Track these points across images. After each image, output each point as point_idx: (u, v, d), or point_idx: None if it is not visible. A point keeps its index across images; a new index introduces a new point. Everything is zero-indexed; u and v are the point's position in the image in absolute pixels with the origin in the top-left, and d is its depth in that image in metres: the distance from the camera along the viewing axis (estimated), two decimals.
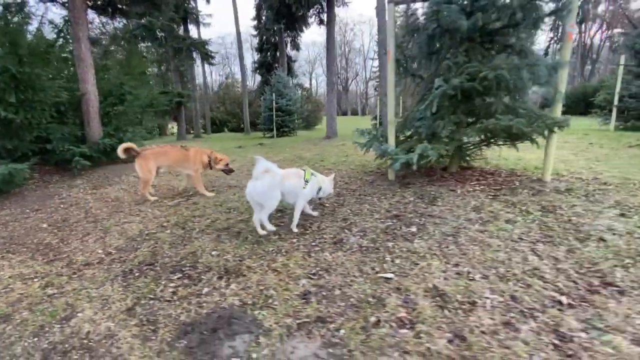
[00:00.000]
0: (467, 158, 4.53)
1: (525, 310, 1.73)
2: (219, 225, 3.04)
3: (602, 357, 1.42)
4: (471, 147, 4.30)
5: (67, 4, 5.15)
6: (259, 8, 21.74)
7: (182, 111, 15.83)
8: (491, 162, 4.87)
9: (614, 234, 2.41)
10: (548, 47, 39.92)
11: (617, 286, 1.86)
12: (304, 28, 23.21)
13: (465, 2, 3.51)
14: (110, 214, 3.55)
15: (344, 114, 56.13)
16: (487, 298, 1.84)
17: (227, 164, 4.31)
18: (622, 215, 2.72)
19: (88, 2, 5.64)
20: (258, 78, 32.78)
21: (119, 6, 6.52)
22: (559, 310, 1.71)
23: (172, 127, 26.76)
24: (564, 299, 1.79)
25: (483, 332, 1.60)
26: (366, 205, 3.34)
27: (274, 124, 16.37)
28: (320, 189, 2.98)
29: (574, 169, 4.39)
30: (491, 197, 3.32)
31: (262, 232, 2.79)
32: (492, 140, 4.03)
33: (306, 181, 2.85)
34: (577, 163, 4.83)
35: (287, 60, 23.15)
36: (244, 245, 2.62)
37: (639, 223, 2.54)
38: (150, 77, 18.29)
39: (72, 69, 5.59)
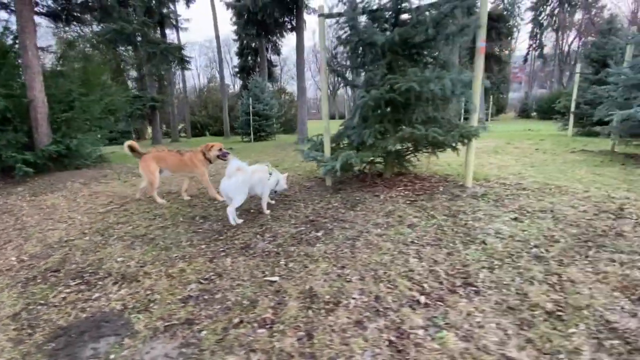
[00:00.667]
0: (406, 164, 4.71)
1: (381, 309, 1.85)
2: (137, 232, 3.10)
3: (427, 352, 1.56)
4: (406, 154, 4.47)
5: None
6: (238, 13, 21.82)
7: (157, 115, 15.76)
8: (432, 168, 5.08)
9: (498, 237, 2.58)
10: (527, 54, 41.39)
11: (475, 286, 2.01)
12: (283, 33, 23.46)
13: (387, 17, 3.70)
14: (39, 222, 3.58)
15: (332, 117, 56.56)
16: (354, 298, 1.96)
17: (220, 149, 4.16)
18: (515, 219, 2.91)
19: (35, 11, 5.70)
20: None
21: (73, 14, 6.55)
22: (412, 309, 1.84)
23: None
24: (422, 299, 1.93)
25: (333, 330, 1.72)
26: (289, 211, 3.45)
27: (251, 128, 16.45)
28: (277, 182, 3.50)
29: (505, 175, 4.62)
30: (409, 202, 3.49)
31: (236, 222, 3.22)
32: (418, 148, 4.22)
33: (270, 174, 3.39)
34: (512, 169, 5.07)
35: (267, 64, 23.27)
36: (152, 252, 2.69)
37: (525, 227, 2.74)
38: (119, 82, 18.25)
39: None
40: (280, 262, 2.42)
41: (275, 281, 2.18)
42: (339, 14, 3.77)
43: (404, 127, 3.64)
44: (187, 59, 14.88)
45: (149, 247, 2.77)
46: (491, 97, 40.22)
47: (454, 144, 3.73)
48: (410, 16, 3.64)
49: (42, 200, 4.27)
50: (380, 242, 2.62)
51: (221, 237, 2.93)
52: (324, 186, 4.34)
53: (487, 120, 21.34)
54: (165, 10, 15.75)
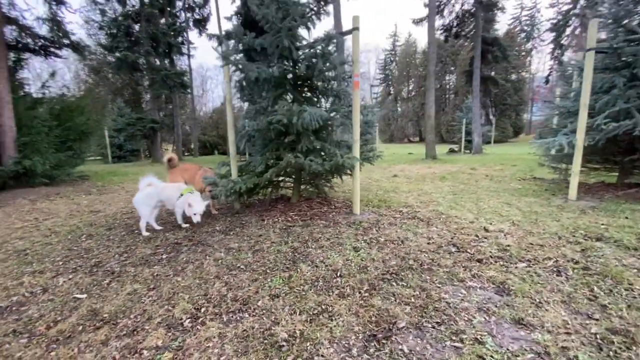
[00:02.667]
0: (323, 188, 4.85)
1: (141, 329, 2.01)
2: (16, 246, 3.44)
3: None
4: (310, 181, 4.63)
5: None
6: None
7: (158, 136, 16.77)
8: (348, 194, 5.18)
9: (316, 265, 2.67)
10: (549, 75, 40.43)
11: (244, 313, 2.13)
12: None
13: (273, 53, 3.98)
14: None
15: None
16: (129, 318, 2.13)
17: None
18: (355, 248, 2.98)
19: (12, 46, 6.54)
20: None
21: (49, 50, 7.42)
22: (168, 329, 1.99)
23: (166, 149, 27.97)
24: (187, 322, 2.07)
25: (85, 344, 1.90)
26: (168, 233, 3.68)
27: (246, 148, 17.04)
28: (189, 205, 3.62)
29: (412, 202, 4.64)
30: (284, 228, 3.62)
31: (145, 233, 3.66)
32: (302, 177, 4.36)
33: (181, 194, 3.72)
34: (428, 196, 5.07)
35: None
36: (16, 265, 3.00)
37: (353, 257, 2.80)
38: (132, 104, 19.60)
39: None
40: (105, 282, 2.63)
41: (80, 298, 2.39)
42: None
43: (287, 155, 3.81)
44: (187, 84, 15.87)
45: (15, 262, 3.07)
46: (508, 118, 39.58)
47: (329, 175, 3.86)
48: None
49: None
50: (210, 266, 2.77)
51: (85, 256, 3.19)
52: (232, 209, 4.56)
53: (486, 143, 20.81)
54: (172, 40, 17.06)
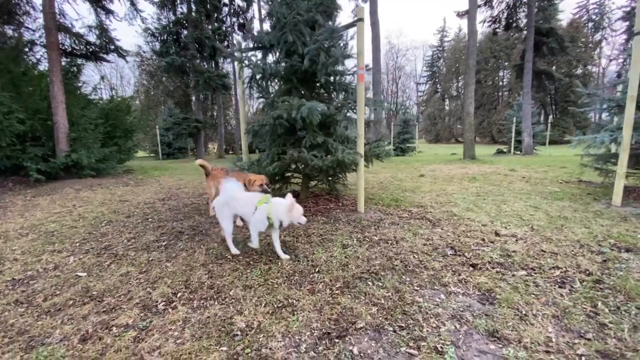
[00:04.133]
0: (337, 185, 4.78)
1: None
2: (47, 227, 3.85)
3: None
4: (319, 177, 4.57)
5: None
6: None
7: (202, 135, 17.82)
8: (371, 191, 5.03)
9: (297, 260, 2.63)
10: (621, 68, 35.83)
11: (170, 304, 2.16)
12: None
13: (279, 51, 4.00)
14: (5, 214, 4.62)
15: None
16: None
17: (261, 184, 3.53)
18: (343, 246, 2.88)
19: (66, 52, 7.38)
20: None
21: (98, 55, 8.25)
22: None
23: (214, 148, 29.58)
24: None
25: None
26: (179, 223, 3.88)
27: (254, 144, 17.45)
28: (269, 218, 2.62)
29: (426, 202, 4.39)
30: None
31: (235, 251, 2.86)
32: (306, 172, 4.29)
33: (256, 207, 2.66)
34: (447, 197, 4.73)
35: None
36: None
37: (339, 254, 2.71)
38: (182, 105, 20.99)
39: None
40: (106, 263, 2.84)
41: (81, 276, 2.61)
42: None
43: (290, 150, 3.81)
44: (228, 85, 16.66)
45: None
46: (572, 117, 35.65)
47: (331, 171, 3.77)
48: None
49: (32, 200, 5.44)
50: (200, 255, 2.86)
51: (100, 239, 3.47)
52: None
53: (541, 144, 18.93)
54: (216, 44, 18.02)
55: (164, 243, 3.23)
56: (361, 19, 3.47)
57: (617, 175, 4.01)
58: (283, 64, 3.93)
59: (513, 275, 2.23)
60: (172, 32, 15.34)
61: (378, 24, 13.57)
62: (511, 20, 16.44)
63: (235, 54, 4.48)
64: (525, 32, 15.31)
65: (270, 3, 3.90)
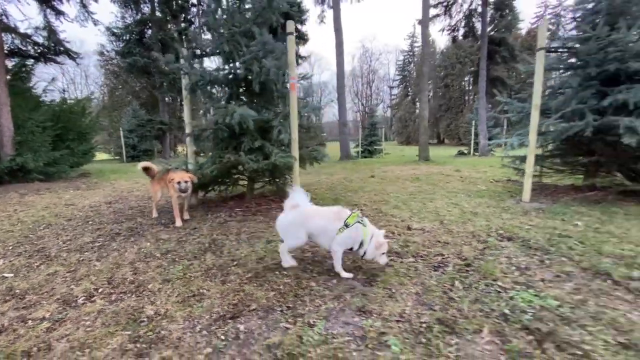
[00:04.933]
0: (278, 187, 5.03)
1: None
2: None
3: None
4: (260, 178, 4.82)
5: None
6: None
7: (167, 137, 17.57)
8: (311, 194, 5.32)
9: (171, 255, 2.86)
10: None
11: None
12: (299, 61, 24.85)
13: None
14: None
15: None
16: None
17: (178, 182, 3.68)
18: (268, 242, 3.14)
19: (10, 53, 7.24)
20: None
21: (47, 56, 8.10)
22: None
23: (184, 149, 29.04)
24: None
25: None
26: (117, 225, 4.00)
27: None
28: (362, 243, 2.30)
29: (366, 202, 4.74)
30: (222, 222, 3.84)
31: (288, 263, 2.54)
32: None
33: (346, 225, 2.28)
34: (388, 197, 5.12)
35: None
36: None
37: (258, 248, 2.97)
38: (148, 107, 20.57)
39: None
40: (36, 264, 2.94)
41: (7, 277, 2.70)
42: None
43: (228, 154, 4.02)
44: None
45: None
46: None
47: (267, 173, 4.03)
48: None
49: None
50: (131, 254, 3.03)
51: (35, 242, 3.54)
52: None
53: (499, 146, 20.12)
54: (182, 45, 17.81)
55: (98, 244, 3.35)
56: (291, 33, 3.76)
57: (526, 174, 4.54)
58: (223, 72, 4.14)
59: (402, 262, 2.58)
60: (134, 32, 15.05)
61: (341, 31, 14.01)
62: (467, 30, 17.44)
63: (182, 61, 4.65)
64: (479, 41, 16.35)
65: (207, 16, 4.10)
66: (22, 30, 7.47)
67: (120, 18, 17.45)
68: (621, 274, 2.24)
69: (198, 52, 4.48)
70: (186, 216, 4.04)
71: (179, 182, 3.69)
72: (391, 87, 62.84)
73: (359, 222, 2.32)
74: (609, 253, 2.60)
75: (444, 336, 1.69)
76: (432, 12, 17.54)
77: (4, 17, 7.24)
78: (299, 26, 22.68)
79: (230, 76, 4.08)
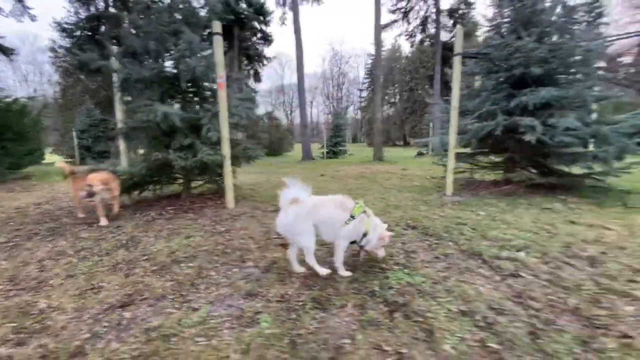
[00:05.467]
0: (218, 185, 5.07)
1: None
2: None
3: None
4: (198, 179, 4.86)
5: None
6: None
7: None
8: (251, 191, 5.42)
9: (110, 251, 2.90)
10: None
11: None
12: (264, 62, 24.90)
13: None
14: None
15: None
16: None
17: (90, 185, 3.54)
18: (186, 237, 3.21)
19: None
20: None
21: None
22: None
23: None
24: None
25: None
26: (39, 225, 3.89)
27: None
28: (365, 234, 2.25)
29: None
30: (150, 220, 3.85)
31: (300, 269, 2.31)
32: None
33: (352, 216, 2.23)
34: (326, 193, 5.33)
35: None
36: None
37: (173, 243, 3.04)
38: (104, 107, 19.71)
39: None
40: None
41: None
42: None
43: (155, 152, 4.03)
44: None
45: None
46: None
47: (197, 170, 4.10)
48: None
49: None
50: (42, 252, 2.99)
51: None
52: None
53: None
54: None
55: (11, 244, 3.26)
56: (217, 33, 3.84)
57: (447, 171, 4.90)
58: (153, 71, 4.15)
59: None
60: (86, 28, 14.37)
61: (301, 33, 14.20)
62: (424, 35, 18.26)
63: (112, 60, 4.60)
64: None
65: (131, 15, 4.10)
66: None
67: (74, 13, 16.67)
68: (491, 254, 2.54)
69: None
70: (117, 209, 3.97)
71: (90, 186, 3.54)
72: (360, 90, 64.05)
73: (363, 212, 2.28)
74: (492, 237, 2.92)
75: (313, 312, 1.86)
76: (391, 17, 18.22)
77: None
78: (264, 27, 22.73)
79: (161, 75, 4.10)
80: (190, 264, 2.57)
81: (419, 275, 2.22)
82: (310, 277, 2.27)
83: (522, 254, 2.49)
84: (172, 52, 4.06)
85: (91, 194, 3.56)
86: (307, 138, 14.93)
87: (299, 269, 2.32)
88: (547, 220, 3.37)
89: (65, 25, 15.04)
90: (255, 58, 22.86)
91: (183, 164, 3.85)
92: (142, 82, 4.14)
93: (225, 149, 4.06)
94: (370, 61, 58.74)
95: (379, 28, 11.71)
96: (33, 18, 8.59)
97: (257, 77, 26.09)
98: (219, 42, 3.86)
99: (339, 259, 2.27)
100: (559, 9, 4.47)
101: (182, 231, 3.40)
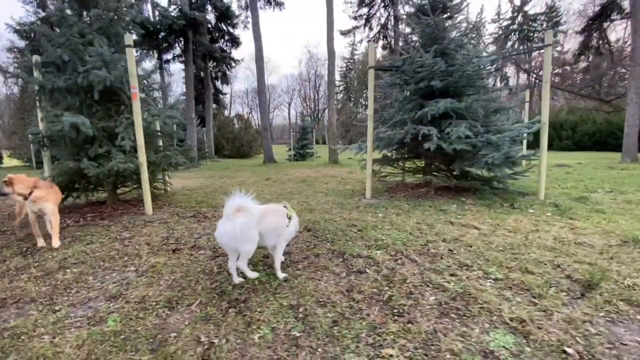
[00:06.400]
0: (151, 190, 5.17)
1: None
2: None
3: None
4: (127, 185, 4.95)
5: None
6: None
7: None
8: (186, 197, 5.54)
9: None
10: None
11: None
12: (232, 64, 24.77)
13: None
14: None
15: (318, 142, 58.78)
16: None
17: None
18: (90, 243, 3.34)
19: None
20: None
21: None
22: None
23: None
24: None
25: None
26: None
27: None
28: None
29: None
30: (63, 227, 3.92)
31: (238, 280, 2.39)
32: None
33: (289, 218, 2.52)
34: (258, 197, 5.55)
35: (213, 93, 24.44)
36: None
37: (75, 249, 3.16)
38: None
39: None
40: None
41: None
42: None
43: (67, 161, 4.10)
44: None
45: None
46: None
47: (111, 178, 4.22)
48: None
49: None
50: None
51: None
52: None
53: None
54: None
55: None
56: (129, 45, 3.97)
57: (367, 175, 5.24)
58: (68, 82, 4.22)
59: (191, 254, 2.95)
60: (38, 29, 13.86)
61: (260, 38, 14.36)
62: (386, 42, 18.88)
63: (34, 71, 4.60)
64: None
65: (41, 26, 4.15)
66: None
67: (33, 13, 16.10)
68: (354, 253, 2.85)
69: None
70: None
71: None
72: (336, 93, 64.90)
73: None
74: (368, 237, 3.23)
75: (161, 310, 2.07)
76: (353, 23, 18.71)
77: None
78: (230, 29, 22.68)
79: (77, 84, 4.17)
80: (75, 270, 2.71)
81: (272, 275, 2.48)
82: (181, 278, 2.48)
83: (379, 252, 2.80)
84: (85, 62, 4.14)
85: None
86: (267, 141, 15.11)
87: (237, 279, 2.39)
88: (430, 221, 3.74)
89: (18, 27, 14.45)
90: (221, 60, 22.74)
91: (95, 172, 3.95)
92: (59, 92, 4.20)
93: (141, 157, 4.19)
94: (344, 65, 59.86)
95: (332, 34, 12.08)
96: None
97: (225, 79, 25.97)
98: (131, 54, 3.99)
99: (279, 260, 2.49)
100: (454, 33, 4.93)
101: (86, 238, 3.50)
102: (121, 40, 4.59)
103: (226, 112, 37.39)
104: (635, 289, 2.12)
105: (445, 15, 5.17)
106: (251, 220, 2.27)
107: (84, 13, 4.49)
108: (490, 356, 1.58)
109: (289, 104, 70.87)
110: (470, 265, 2.53)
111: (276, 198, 5.50)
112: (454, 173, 5.58)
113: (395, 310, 1.98)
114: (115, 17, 4.27)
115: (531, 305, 1.97)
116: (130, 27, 4.69)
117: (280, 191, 6.20)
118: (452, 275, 2.40)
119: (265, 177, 8.84)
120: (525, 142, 10.12)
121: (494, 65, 4.98)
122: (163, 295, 2.24)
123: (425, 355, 1.60)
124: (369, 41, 19.41)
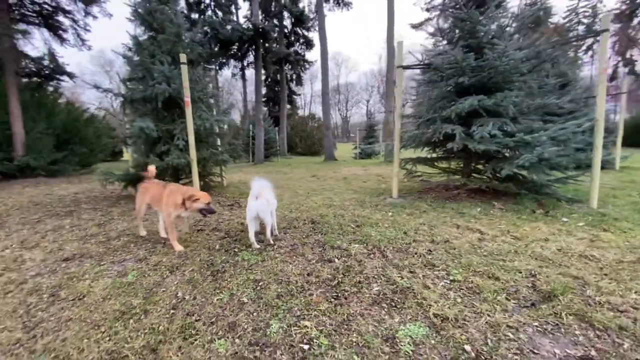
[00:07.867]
0: (207, 184, 6.17)
1: None
2: None
3: None
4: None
5: None
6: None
7: None
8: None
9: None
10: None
11: None
12: (307, 66, 26.05)
13: None
14: None
15: None
16: None
17: (207, 203, 3.17)
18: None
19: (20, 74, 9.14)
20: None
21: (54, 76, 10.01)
22: None
23: None
24: None
25: None
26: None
27: (250, 151, 18.95)
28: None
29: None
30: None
31: (257, 245, 3.14)
32: None
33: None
34: (295, 191, 6.06)
35: (287, 94, 26.13)
36: None
37: (58, 233, 4.10)
38: None
39: None
40: None
41: None
42: None
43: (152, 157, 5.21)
44: None
45: None
46: None
47: (170, 170, 5.18)
48: None
49: None
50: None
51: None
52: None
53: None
54: None
55: (37, 220, 4.67)
56: (183, 63, 4.85)
57: (394, 176, 5.29)
58: (141, 94, 5.34)
59: (209, 235, 3.58)
60: None
61: (326, 39, 14.94)
62: None
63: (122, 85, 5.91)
64: None
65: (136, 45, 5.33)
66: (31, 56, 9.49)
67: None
68: (334, 244, 3.10)
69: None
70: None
71: (208, 203, 3.24)
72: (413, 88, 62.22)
73: None
74: (361, 233, 3.42)
75: (163, 272, 2.70)
76: (425, 15, 17.87)
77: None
78: (305, 32, 23.92)
79: (151, 95, 5.27)
80: (124, 239, 3.59)
81: (261, 256, 2.91)
82: (190, 251, 3.11)
83: (357, 246, 3.00)
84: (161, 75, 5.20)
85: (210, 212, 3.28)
86: (329, 140, 15.66)
87: (257, 245, 3.15)
88: (435, 223, 3.70)
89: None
90: (296, 62, 24.18)
91: (159, 165, 4.96)
92: (137, 102, 5.37)
93: (192, 154, 5.08)
94: (421, 59, 56.92)
95: (392, 35, 11.89)
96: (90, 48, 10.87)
97: (299, 81, 27.46)
98: (184, 71, 4.88)
99: (269, 230, 3.27)
100: (494, 25, 4.60)
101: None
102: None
103: (300, 112, 39.23)
104: (602, 307, 1.93)
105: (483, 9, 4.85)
106: (270, 198, 3.24)
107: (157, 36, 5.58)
108: (390, 341, 1.74)
109: (367, 101, 70.45)
110: (436, 266, 2.56)
111: (307, 193, 5.94)
112: (497, 175, 5.21)
113: (336, 294, 2.21)
114: (177, 40, 5.23)
115: (467, 307, 1.99)
116: (189, 48, 5.65)
117: (316, 187, 6.62)
118: (410, 272, 2.48)
119: (313, 174, 9.36)
120: (619, 141, 8.55)
121: (539, 60, 4.49)
122: (171, 262, 2.88)
123: (335, 331, 1.83)
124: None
